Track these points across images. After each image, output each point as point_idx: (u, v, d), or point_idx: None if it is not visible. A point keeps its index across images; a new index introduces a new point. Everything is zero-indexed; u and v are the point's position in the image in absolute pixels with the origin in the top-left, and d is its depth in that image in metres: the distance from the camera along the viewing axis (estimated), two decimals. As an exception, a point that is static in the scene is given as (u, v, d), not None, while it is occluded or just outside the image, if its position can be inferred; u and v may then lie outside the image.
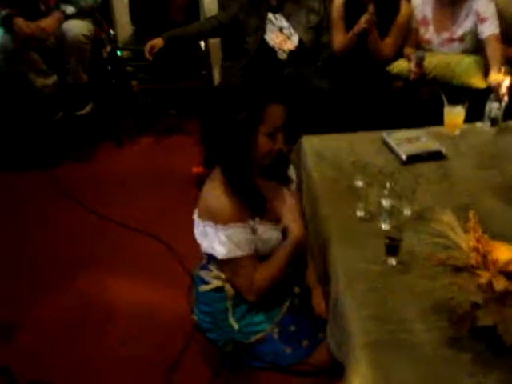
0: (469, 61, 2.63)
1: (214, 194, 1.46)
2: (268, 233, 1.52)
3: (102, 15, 3.28)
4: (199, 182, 1.62)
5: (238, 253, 1.45)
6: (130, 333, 2.05)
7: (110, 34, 3.38)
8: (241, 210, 1.44)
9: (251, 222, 1.48)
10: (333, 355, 1.43)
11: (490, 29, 2.59)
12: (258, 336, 1.63)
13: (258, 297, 1.54)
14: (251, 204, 1.46)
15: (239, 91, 1.41)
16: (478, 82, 2.57)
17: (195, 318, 1.76)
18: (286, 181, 1.62)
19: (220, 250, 1.46)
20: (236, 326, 1.63)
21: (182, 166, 3.19)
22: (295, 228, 1.48)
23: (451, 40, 2.70)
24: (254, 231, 1.49)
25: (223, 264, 1.53)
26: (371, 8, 2.63)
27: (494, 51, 2.56)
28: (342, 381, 1.29)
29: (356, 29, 2.70)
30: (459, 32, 2.66)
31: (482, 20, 2.59)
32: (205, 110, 1.49)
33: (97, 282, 2.33)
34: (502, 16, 2.66)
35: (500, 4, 2.68)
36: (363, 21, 2.65)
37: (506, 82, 2.09)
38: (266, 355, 1.66)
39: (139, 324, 2.09)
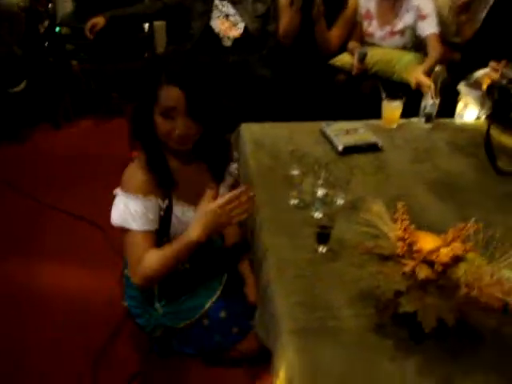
0: (409, 58, 2.70)
1: (131, 166, 1.48)
2: (186, 215, 1.52)
3: (40, -12, 3.14)
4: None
5: (132, 225, 1.42)
6: (60, 317, 2.00)
7: (48, 7, 3.22)
8: (151, 185, 1.44)
9: (160, 202, 1.47)
10: (261, 342, 1.43)
11: (429, 27, 2.66)
12: (187, 322, 1.62)
13: (143, 282, 1.47)
14: (160, 178, 1.45)
15: (145, 70, 1.46)
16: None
17: (125, 303, 1.73)
18: (219, 172, 1.62)
19: (114, 215, 1.44)
20: (160, 311, 1.62)
21: (121, 149, 3.10)
22: (194, 229, 1.40)
23: (392, 33, 2.76)
24: (162, 210, 1.48)
25: (122, 235, 1.47)
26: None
27: (432, 50, 2.64)
28: (270, 368, 1.30)
29: (294, 6, 2.70)
30: (400, 25, 2.73)
31: (422, 17, 2.66)
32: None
33: (28, 266, 2.26)
34: (438, 17, 2.74)
35: (436, 4, 2.75)
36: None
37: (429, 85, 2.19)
38: (196, 341, 1.66)
39: (69, 309, 2.04)
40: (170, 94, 1.36)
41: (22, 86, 3.07)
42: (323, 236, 1.37)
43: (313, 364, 1.11)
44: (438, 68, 2.10)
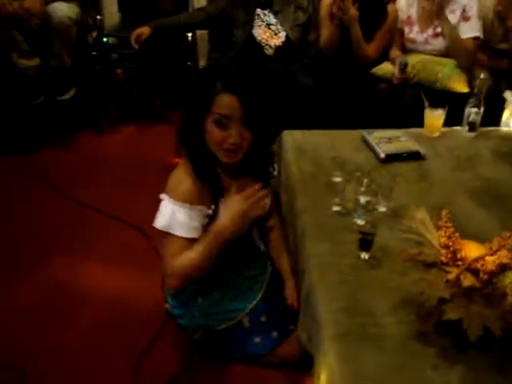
0: (452, 66, 2.66)
1: (178, 171, 1.51)
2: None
3: (89, 0, 3.24)
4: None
5: (176, 231, 1.45)
6: (102, 319, 2.02)
7: (96, 19, 3.33)
8: (198, 193, 1.46)
9: (206, 209, 1.49)
10: (303, 347, 1.45)
11: (471, 30, 2.61)
12: (228, 323, 1.64)
13: (177, 281, 1.50)
14: (209, 184, 1.48)
15: (199, 78, 1.49)
16: (460, 87, 2.61)
17: (167, 305, 1.76)
18: (266, 177, 1.64)
19: (160, 220, 1.47)
20: (202, 307, 1.65)
21: (164, 155, 3.16)
22: (220, 220, 1.44)
23: (435, 35, 2.70)
24: (207, 217, 1.50)
25: (165, 238, 1.50)
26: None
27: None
28: (311, 373, 1.31)
29: (335, 19, 2.71)
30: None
31: (466, 18, 2.61)
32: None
33: (71, 268, 2.29)
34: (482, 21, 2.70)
35: (481, 9, 2.71)
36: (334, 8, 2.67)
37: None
38: (235, 343, 1.67)
39: (112, 311, 2.06)
40: (227, 102, 1.37)
41: (71, 94, 3.17)
42: (366, 242, 1.38)
43: (354, 370, 1.12)
44: (482, 75, 2.07)
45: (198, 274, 1.50)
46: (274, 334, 1.65)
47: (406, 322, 1.21)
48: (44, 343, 1.92)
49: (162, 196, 1.50)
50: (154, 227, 2.42)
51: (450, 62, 2.68)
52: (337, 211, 1.61)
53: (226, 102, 1.37)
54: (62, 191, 2.79)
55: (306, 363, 1.42)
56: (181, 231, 1.46)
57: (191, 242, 1.47)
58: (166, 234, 1.48)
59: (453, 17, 2.64)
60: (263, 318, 1.64)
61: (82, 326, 2.00)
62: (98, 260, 2.35)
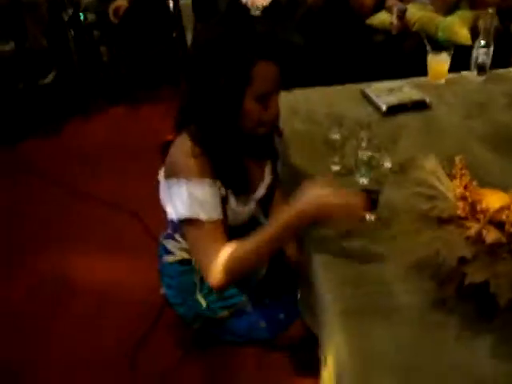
0: (454, 16, 2.48)
1: (177, 152, 1.25)
2: (239, 206, 1.31)
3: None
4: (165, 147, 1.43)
5: (201, 214, 1.19)
6: (98, 307, 1.97)
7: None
8: (209, 170, 1.22)
9: (221, 189, 1.26)
10: (308, 328, 1.30)
11: None
12: (227, 312, 1.49)
13: (223, 280, 1.18)
14: (233, 184, 1.26)
15: (220, 46, 1.18)
16: (463, 38, 2.43)
17: (163, 291, 1.62)
18: (273, 152, 1.45)
19: (180, 209, 1.21)
20: (204, 304, 1.48)
21: (154, 135, 3.01)
22: (296, 204, 1.13)
23: None
24: (224, 199, 1.27)
25: (185, 229, 1.25)
26: None
27: None
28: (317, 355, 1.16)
29: None
30: None
31: None
32: (186, 70, 1.30)
33: (64, 255, 2.23)
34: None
35: None
36: None
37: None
38: (240, 330, 1.53)
39: (107, 298, 2.00)
40: (270, 72, 1.17)
41: (51, 77, 3.03)
42: (371, 201, 1.21)
43: (364, 348, 0.96)
44: (490, 10, 1.88)
45: (252, 267, 1.25)
46: (281, 315, 1.50)
47: (421, 290, 1.05)
48: (37, 332, 1.88)
49: (169, 182, 1.25)
50: (147, 211, 2.36)
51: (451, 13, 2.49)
52: (337, 171, 1.45)
53: (268, 73, 1.17)
54: (51, 179, 2.71)
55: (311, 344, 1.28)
56: (207, 211, 1.19)
57: (221, 224, 1.22)
58: (189, 226, 1.22)
59: None
60: (267, 301, 1.49)
61: (76, 314, 1.95)
62: (91, 247, 2.29)
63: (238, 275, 1.20)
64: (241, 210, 1.32)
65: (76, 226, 2.42)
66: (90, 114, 3.30)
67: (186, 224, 1.23)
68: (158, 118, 3.23)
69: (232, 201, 1.30)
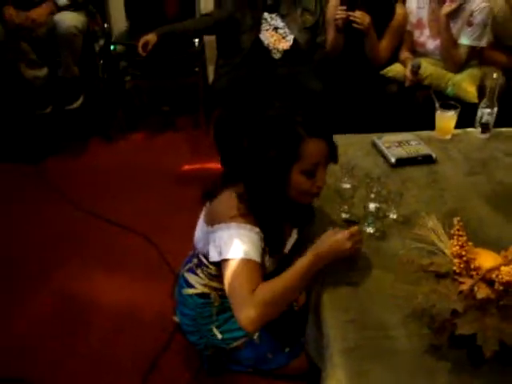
0: (464, 74, 2.61)
1: (225, 200, 1.35)
2: (271, 257, 1.39)
3: (96, 8, 3.24)
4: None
5: (246, 254, 1.25)
6: (110, 330, 2.01)
7: (103, 27, 3.33)
8: (255, 224, 1.30)
9: (262, 242, 1.33)
10: (312, 361, 1.40)
11: (470, 37, 2.58)
12: (239, 341, 1.59)
13: (257, 314, 1.18)
14: (270, 243, 1.34)
15: (271, 123, 1.29)
16: (470, 96, 2.55)
17: (176, 319, 1.72)
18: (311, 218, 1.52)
19: (226, 249, 1.27)
20: (219, 336, 1.59)
21: (173, 162, 3.16)
22: (324, 242, 1.26)
23: None
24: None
25: (227, 268, 1.27)
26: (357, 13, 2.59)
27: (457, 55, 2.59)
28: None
29: (336, 27, 2.67)
30: (454, 35, 2.63)
31: (469, 24, 2.56)
32: (230, 138, 1.41)
33: (79, 278, 2.28)
34: (493, 21, 2.65)
35: (494, 5, 2.66)
36: (337, 17, 2.62)
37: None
38: (247, 360, 1.63)
39: (120, 322, 2.04)
40: (316, 149, 1.26)
41: (78, 103, 3.16)
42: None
43: (365, 386, 1.07)
44: (495, 75, 2.01)
45: (284, 305, 1.26)
46: (287, 349, 1.60)
47: (418, 335, 1.16)
48: (52, 356, 1.91)
49: (215, 227, 1.33)
50: (161, 236, 2.46)
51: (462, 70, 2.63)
52: (346, 218, 1.57)
53: (315, 149, 1.26)
54: (70, 200, 2.79)
55: (314, 376, 1.38)
56: (254, 254, 1.26)
57: (260, 268, 1.29)
58: (231, 265, 1.26)
59: (460, 21, 2.60)
60: (274, 333, 1.59)
61: (90, 337, 1.98)
62: (107, 270, 2.34)
63: (267, 315, 1.21)
64: (269, 262, 1.40)
65: (92, 246, 2.47)
66: (111, 138, 3.40)
67: (228, 263, 1.27)
68: (175, 146, 3.38)
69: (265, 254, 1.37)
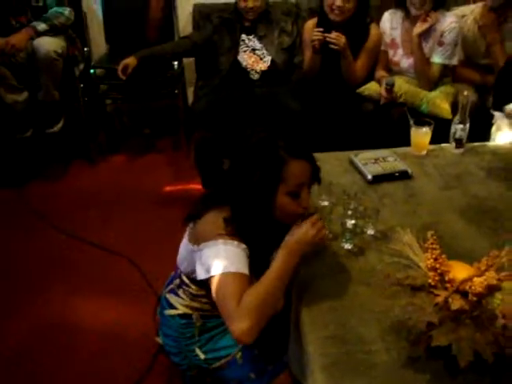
0: (437, 91, 2.68)
1: (209, 220, 1.35)
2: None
3: (76, 33, 3.26)
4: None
5: (235, 268, 1.26)
6: (94, 352, 2.03)
7: (83, 51, 3.36)
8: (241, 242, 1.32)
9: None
10: (296, 378, 1.41)
11: (441, 56, 2.67)
12: (222, 361, 1.59)
13: (248, 322, 1.18)
14: (255, 264, 1.33)
15: (253, 148, 1.32)
16: (444, 113, 2.62)
17: (159, 340, 1.72)
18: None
19: (213, 265, 1.27)
20: (202, 356, 1.58)
21: (154, 184, 3.18)
22: (293, 236, 1.29)
23: None
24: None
25: (216, 284, 1.27)
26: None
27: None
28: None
29: (313, 48, 2.72)
30: (426, 54, 2.70)
31: (440, 43, 2.65)
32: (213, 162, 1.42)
33: (62, 301, 2.30)
34: (463, 40, 2.75)
35: (465, 24, 2.75)
36: (314, 38, 2.67)
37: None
38: (231, 380, 1.62)
39: (103, 344, 2.07)
40: (299, 170, 1.29)
41: (59, 126, 3.17)
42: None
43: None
44: (466, 92, 2.07)
45: (270, 308, 1.25)
46: (269, 367, 1.60)
47: (395, 349, 1.18)
48: (36, 378, 1.92)
49: (202, 245, 1.33)
50: (144, 257, 2.47)
51: (436, 88, 2.70)
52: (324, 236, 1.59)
53: (298, 170, 1.29)
54: (52, 223, 2.81)
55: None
56: (243, 268, 1.27)
57: (248, 282, 1.28)
58: (220, 280, 1.27)
59: (431, 40, 2.68)
60: (256, 352, 1.60)
61: (74, 360, 2.00)
62: (90, 293, 2.36)
63: (257, 323, 1.20)
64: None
65: (75, 269, 2.49)
66: (93, 161, 3.42)
67: (216, 278, 1.27)
68: (156, 168, 3.40)
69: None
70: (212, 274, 1.28)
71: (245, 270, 1.28)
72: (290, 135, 1.34)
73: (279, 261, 1.27)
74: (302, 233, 1.29)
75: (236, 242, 1.30)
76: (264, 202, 1.31)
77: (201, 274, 1.33)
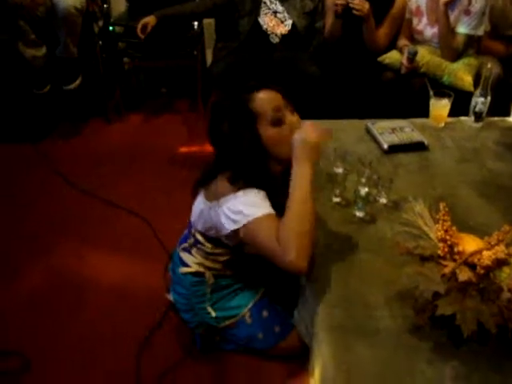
0: (460, 63, 2.62)
1: (226, 189, 1.38)
2: None
3: (95, -12, 3.23)
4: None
5: (265, 210, 1.29)
6: (104, 307, 2.06)
7: (103, 8, 3.32)
8: None
9: None
10: (302, 339, 1.44)
11: (467, 26, 2.58)
12: (231, 320, 1.63)
13: (296, 256, 1.17)
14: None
15: (219, 104, 1.41)
16: (466, 85, 2.56)
17: (170, 297, 1.76)
18: None
19: (244, 213, 1.29)
20: (213, 314, 1.62)
21: (170, 144, 3.19)
22: (295, 163, 1.28)
23: None
24: None
25: (249, 231, 1.29)
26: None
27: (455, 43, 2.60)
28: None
29: (335, 13, 2.68)
30: (451, 23, 2.63)
31: (467, 12, 2.57)
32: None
33: (74, 256, 2.32)
34: (491, 9, 2.66)
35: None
36: (337, 3, 2.62)
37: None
38: (239, 339, 1.67)
39: (113, 299, 2.09)
40: (267, 96, 1.34)
41: (76, 83, 3.17)
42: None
43: (348, 363, 1.11)
44: (489, 65, 2.03)
45: (307, 226, 1.23)
46: (277, 328, 1.64)
47: (401, 316, 1.20)
48: (48, 331, 1.95)
49: (221, 200, 1.36)
50: (157, 217, 2.49)
51: (459, 59, 2.64)
52: (337, 202, 1.60)
53: (263, 98, 1.33)
54: (66, 179, 2.82)
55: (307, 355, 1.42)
56: (265, 209, 1.29)
57: (277, 217, 1.29)
58: (253, 226, 1.28)
59: (457, 10, 2.60)
60: (265, 313, 1.63)
61: (85, 314, 2.03)
62: (103, 248, 2.38)
63: (303, 248, 1.19)
64: None
65: (90, 226, 2.51)
66: (110, 119, 3.43)
67: (249, 227, 1.29)
68: (171, 128, 3.41)
69: None
70: (242, 223, 1.29)
71: (270, 209, 1.30)
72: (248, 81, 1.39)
73: (296, 175, 1.27)
74: (302, 139, 1.28)
75: (254, 189, 1.33)
76: (252, 143, 1.33)
77: (229, 226, 1.33)
